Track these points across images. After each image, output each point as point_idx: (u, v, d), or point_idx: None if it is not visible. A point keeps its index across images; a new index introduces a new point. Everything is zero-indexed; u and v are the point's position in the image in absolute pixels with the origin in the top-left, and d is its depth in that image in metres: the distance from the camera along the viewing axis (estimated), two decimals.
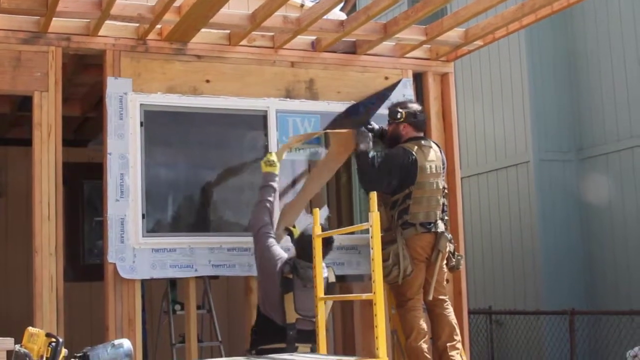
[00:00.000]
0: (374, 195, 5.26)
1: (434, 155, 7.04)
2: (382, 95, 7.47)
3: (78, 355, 4.94)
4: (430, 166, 6.96)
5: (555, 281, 11.00)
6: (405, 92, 7.66)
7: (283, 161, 6.79)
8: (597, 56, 11.40)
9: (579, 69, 11.62)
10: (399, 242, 6.81)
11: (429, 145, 7.08)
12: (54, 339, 4.79)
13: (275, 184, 6.50)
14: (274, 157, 6.59)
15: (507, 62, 11.93)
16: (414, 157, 6.90)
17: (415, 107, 7.20)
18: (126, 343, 5.08)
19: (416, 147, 6.98)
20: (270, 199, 6.43)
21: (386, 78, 7.65)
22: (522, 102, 11.61)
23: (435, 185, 6.97)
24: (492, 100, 12.19)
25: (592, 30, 11.53)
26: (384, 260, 6.74)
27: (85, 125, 9.62)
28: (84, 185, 10.51)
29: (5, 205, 10.10)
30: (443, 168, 7.17)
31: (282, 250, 6.38)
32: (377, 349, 5.10)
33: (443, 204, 7.07)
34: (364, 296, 5.51)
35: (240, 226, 7.09)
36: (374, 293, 5.14)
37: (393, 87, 7.47)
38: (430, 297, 6.91)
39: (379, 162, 7.01)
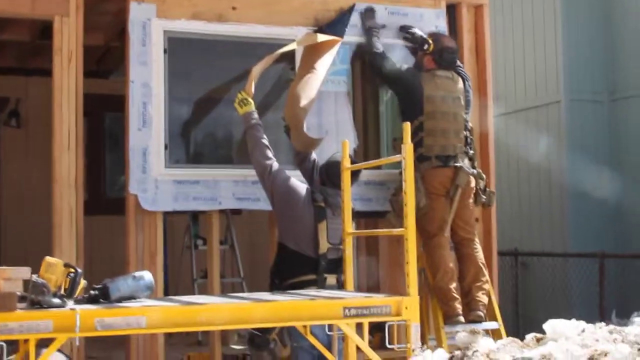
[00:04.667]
0: (407, 126, 4.99)
1: (452, 86, 6.84)
2: (342, 20, 7.10)
3: (97, 287, 4.81)
4: (444, 96, 6.76)
5: (584, 224, 10.71)
6: (437, 23, 7.40)
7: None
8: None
9: (614, 5, 11.19)
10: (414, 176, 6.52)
11: (447, 76, 6.86)
12: (72, 270, 4.62)
13: (258, 120, 6.21)
14: (245, 95, 6.25)
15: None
16: (419, 84, 6.75)
17: (447, 44, 6.95)
18: (147, 275, 4.93)
19: (427, 76, 6.79)
20: (262, 135, 6.17)
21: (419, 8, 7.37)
22: (555, 40, 11.23)
23: (452, 117, 6.76)
24: (523, 37, 11.81)
25: None
26: (397, 194, 6.61)
27: (107, 56, 9.36)
28: (106, 118, 10.35)
29: (25, 137, 9.92)
30: (468, 99, 6.94)
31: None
32: (407, 286, 4.87)
33: (466, 137, 6.81)
34: (395, 231, 5.30)
35: None
36: (406, 228, 4.90)
37: (350, 10, 7.11)
38: (447, 234, 6.70)
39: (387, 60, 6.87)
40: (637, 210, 10.50)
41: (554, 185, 11.11)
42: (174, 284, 8.61)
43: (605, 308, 9.41)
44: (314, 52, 6.81)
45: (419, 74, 6.86)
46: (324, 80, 6.72)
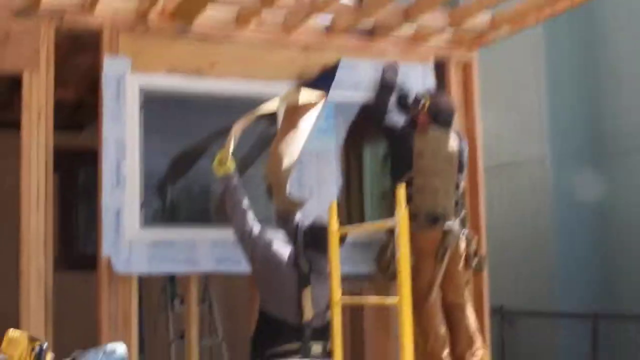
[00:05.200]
0: (401, 190, 4.69)
1: (445, 143, 6.56)
2: (326, 76, 6.83)
3: None
4: (435, 153, 6.50)
5: (571, 282, 10.44)
6: (426, 80, 7.16)
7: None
8: (618, 45, 10.81)
9: (599, 59, 11.03)
10: None
11: (441, 133, 6.58)
12: (38, 343, 4.27)
13: (237, 182, 5.93)
14: (224, 155, 5.96)
15: (524, 52, 11.35)
16: (411, 138, 6.50)
17: (444, 102, 6.71)
18: (120, 348, 4.60)
19: (419, 131, 6.54)
20: (242, 198, 5.88)
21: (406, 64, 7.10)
22: (539, 99, 11.05)
23: (443, 176, 6.50)
24: (509, 92, 11.62)
25: (612, 20, 10.93)
26: (383, 253, 6.39)
27: (80, 110, 9.04)
28: (80, 172, 10.03)
29: None
30: (462, 159, 6.68)
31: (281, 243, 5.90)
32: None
33: (457, 199, 6.55)
34: (388, 300, 4.96)
35: None
36: (400, 297, 4.58)
37: (335, 67, 6.84)
38: (435, 295, 6.38)
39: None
40: (627, 269, 10.24)
41: (541, 239, 10.85)
42: (150, 346, 8.20)
43: None
44: (297, 108, 6.54)
45: (412, 129, 6.61)
46: (307, 138, 6.43)
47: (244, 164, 6.53)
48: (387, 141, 6.82)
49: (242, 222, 5.81)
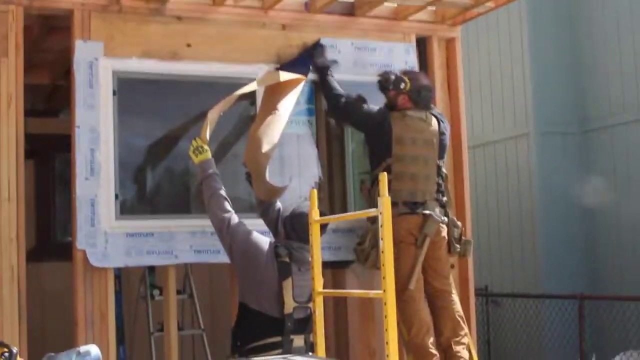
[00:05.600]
0: (384, 177, 4.48)
1: (424, 128, 6.34)
2: (305, 56, 6.63)
3: None
4: (414, 138, 6.26)
5: (555, 262, 10.31)
6: (407, 58, 6.96)
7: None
8: (601, 22, 10.63)
9: (582, 35, 10.85)
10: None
11: (420, 117, 6.35)
12: (6, 350, 4.05)
13: (215, 169, 5.72)
14: (200, 143, 5.77)
15: (506, 28, 11.15)
16: (388, 124, 6.26)
17: (424, 82, 6.48)
18: (94, 350, 4.36)
19: (397, 116, 6.30)
20: (220, 186, 5.67)
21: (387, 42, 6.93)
22: (522, 71, 10.84)
23: (423, 161, 6.27)
24: (489, 69, 11.41)
25: None
26: (362, 242, 6.18)
27: (55, 95, 8.82)
28: (55, 158, 9.76)
29: None
30: (443, 143, 6.45)
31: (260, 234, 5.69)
32: (387, 356, 4.34)
33: (439, 184, 6.34)
34: (372, 293, 4.77)
35: None
36: (384, 290, 4.38)
37: (314, 48, 6.64)
38: (412, 287, 6.15)
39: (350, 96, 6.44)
40: (610, 247, 10.11)
41: (525, 220, 10.70)
42: (130, 337, 8.01)
43: (584, 351, 8.99)
44: (276, 91, 6.32)
45: (389, 114, 6.36)
46: (287, 122, 6.21)
47: (224, 148, 6.34)
48: (361, 127, 6.60)
49: (219, 210, 5.61)
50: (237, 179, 6.28)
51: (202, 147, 5.75)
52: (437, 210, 6.26)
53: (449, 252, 6.41)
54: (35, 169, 9.54)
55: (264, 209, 5.97)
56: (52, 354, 4.33)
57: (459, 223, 6.49)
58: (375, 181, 6.11)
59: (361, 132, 6.66)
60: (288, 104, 6.29)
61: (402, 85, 6.35)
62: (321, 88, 6.57)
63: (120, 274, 8.20)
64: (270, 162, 6.10)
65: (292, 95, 6.32)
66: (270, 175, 6.11)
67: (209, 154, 5.75)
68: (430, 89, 6.56)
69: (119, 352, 8.07)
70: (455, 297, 6.42)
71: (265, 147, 6.00)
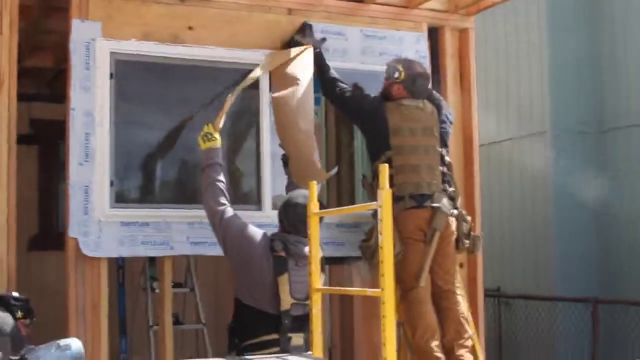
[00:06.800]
0: (384, 169, 4.19)
1: (421, 116, 6.07)
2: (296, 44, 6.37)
3: (15, 358, 4.03)
4: (412, 128, 5.99)
5: (569, 264, 10.00)
6: (418, 48, 6.71)
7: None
8: (622, 20, 10.30)
9: (601, 33, 10.51)
10: None
11: (416, 106, 6.08)
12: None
13: (220, 160, 5.47)
14: (212, 130, 5.52)
15: (524, 22, 10.84)
16: (383, 115, 6.00)
17: (419, 70, 6.19)
18: (75, 344, 4.20)
19: (392, 106, 6.04)
20: (219, 177, 5.41)
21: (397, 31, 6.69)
22: (540, 68, 10.53)
23: (423, 151, 5.99)
24: (506, 63, 11.10)
25: None
26: (368, 239, 5.90)
27: (59, 79, 8.55)
28: (60, 145, 9.55)
29: None
30: (444, 131, 6.16)
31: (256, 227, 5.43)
32: (384, 358, 4.06)
33: (443, 174, 6.05)
34: (369, 292, 4.49)
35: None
36: (383, 289, 4.09)
37: (301, 29, 6.36)
38: (423, 284, 5.89)
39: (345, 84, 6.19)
40: (625, 250, 9.79)
41: (538, 220, 10.41)
42: (133, 329, 7.89)
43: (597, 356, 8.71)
44: (287, 66, 6.05)
45: (383, 104, 6.09)
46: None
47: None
48: (354, 117, 6.35)
49: (213, 202, 5.35)
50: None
51: (212, 134, 5.51)
52: (446, 201, 5.98)
53: (456, 248, 6.12)
54: (40, 156, 9.39)
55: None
56: (32, 346, 4.14)
57: (468, 217, 6.20)
58: (375, 174, 5.81)
59: (356, 124, 6.45)
60: (307, 71, 6.04)
61: (396, 75, 6.09)
62: (317, 73, 6.28)
63: (124, 265, 8.03)
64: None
65: (305, 61, 6.07)
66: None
67: (218, 143, 5.51)
68: (427, 76, 6.28)
69: (121, 344, 7.92)
70: (461, 298, 6.12)
71: (302, 123, 5.73)
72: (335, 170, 6.03)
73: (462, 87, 6.95)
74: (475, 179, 6.86)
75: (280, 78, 6.09)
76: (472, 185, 6.80)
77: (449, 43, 6.90)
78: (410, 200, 5.89)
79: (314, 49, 6.23)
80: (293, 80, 6.01)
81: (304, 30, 6.29)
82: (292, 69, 6.06)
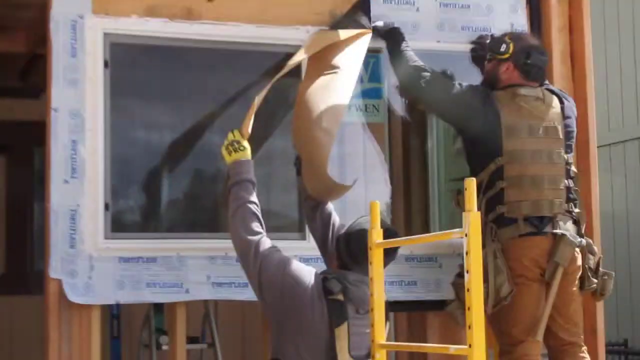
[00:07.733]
0: (472, 183, 4.28)
1: (543, 110, 6.19)
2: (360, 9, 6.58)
3: None
4: (532, 126, 6.12)
5: None
6: (513, 19, 6.92)
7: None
8: None
9: None
10: (490, 249, 5.92)
11: (536, 96, 6.21)
12: None
13: (251, 176, 5.61)
14: (239, 137, 5.67)
15: None
16: (493, 109, 6.11)
17: (534, 43, 6.33)
18: None
19: (505, 96, 6.17)
20: (253, 198, 5.55)
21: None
22: None
23: (547, 157, 6.11)
24: (633, 44, 11.24)
25: None
26: (461, 276, 5.88)
27: (34, 68, 8.84)
28: (35, 153, 9.87)
29: None
30: (569, 130, 6.30)
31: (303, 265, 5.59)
32: None
33: (568, 189, 6.16)
34: (453, 349, 4.60)
35: None
36: (470, 346, 4.20)
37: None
38: (540, 338, 5.97)
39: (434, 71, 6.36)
40: None
41: None
42: None
43: None
44: (330, 50, 6.24)
45: (491, 94, 6.22)
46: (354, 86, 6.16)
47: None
48: (449, 116, 6.47)
49: (245, 230, 5.48)
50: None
51: (239, 142, 5.65)
52: (571, 227, 6.09)
53: (580, 288, 6.23)
54: (8, 169, 9.68)
55: (312, 207, 5.90)
56: None
57: (595, 248, 6.32)
58: (479, 187, 5.94)
59: (450, 123, 6.59)
60: (354, 60, 6.20)
61: (503, 48, 6.22)
62: (390, 59, 6.46)
63: (118, 314, 8.24)
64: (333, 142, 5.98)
65: (356, 47, 6.24)
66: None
67: (248, 154, 5.65)
68: (544, 51, 6.42)
69: None
70: (587, 354, 6.22)
71: (326, 120, 5.87)
72: (355, 181, 6.14)
73: (573, 69, 7.10)
74: (593, 193, 6.96)
75: (318, 64, 6.25)
76: (589, 202, 6.87)
77: (556, 12, 7.04)
78: (525, 225, 5.99)
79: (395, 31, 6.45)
80: (331, 68, 6.17)
81: (361, 5, 6.47)
82: (338, 57, 6.22)
